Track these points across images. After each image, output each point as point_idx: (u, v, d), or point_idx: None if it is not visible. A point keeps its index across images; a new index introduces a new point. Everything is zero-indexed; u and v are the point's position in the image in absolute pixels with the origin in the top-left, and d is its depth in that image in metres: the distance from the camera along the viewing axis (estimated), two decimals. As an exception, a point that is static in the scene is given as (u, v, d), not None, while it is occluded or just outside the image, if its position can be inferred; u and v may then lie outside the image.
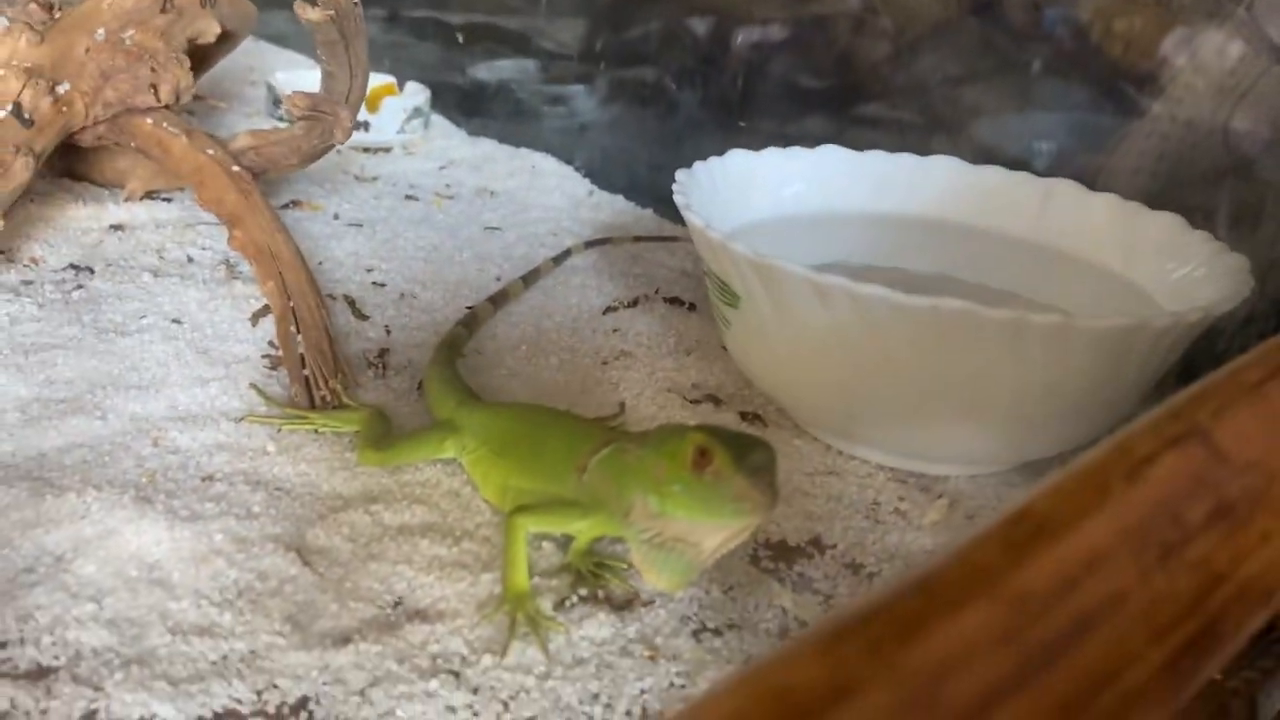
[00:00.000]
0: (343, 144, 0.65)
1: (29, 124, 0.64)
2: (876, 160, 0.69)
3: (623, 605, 0.44)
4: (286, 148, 0.70)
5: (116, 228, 0.73)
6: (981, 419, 0.51)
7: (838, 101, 0.99)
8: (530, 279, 0.73)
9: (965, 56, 0.99)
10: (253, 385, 0.55)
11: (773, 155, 0.67)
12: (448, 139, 1.06)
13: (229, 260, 0.69)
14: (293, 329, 0.57)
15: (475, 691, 0.38)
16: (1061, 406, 0.50)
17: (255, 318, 0.62)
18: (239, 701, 0.37)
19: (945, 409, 0.50)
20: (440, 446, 0.50)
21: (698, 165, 0.63)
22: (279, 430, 0.52)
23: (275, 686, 0.38)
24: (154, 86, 0.70)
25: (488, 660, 0.40)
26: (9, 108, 0.63)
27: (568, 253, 0.79)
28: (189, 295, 0.64)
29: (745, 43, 1.06)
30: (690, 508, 0.38)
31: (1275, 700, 0.41)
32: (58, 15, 0.71)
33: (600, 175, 1.00)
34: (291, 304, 0.58)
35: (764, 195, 0.66)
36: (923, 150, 0.69)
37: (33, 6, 0.79)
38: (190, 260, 0.69)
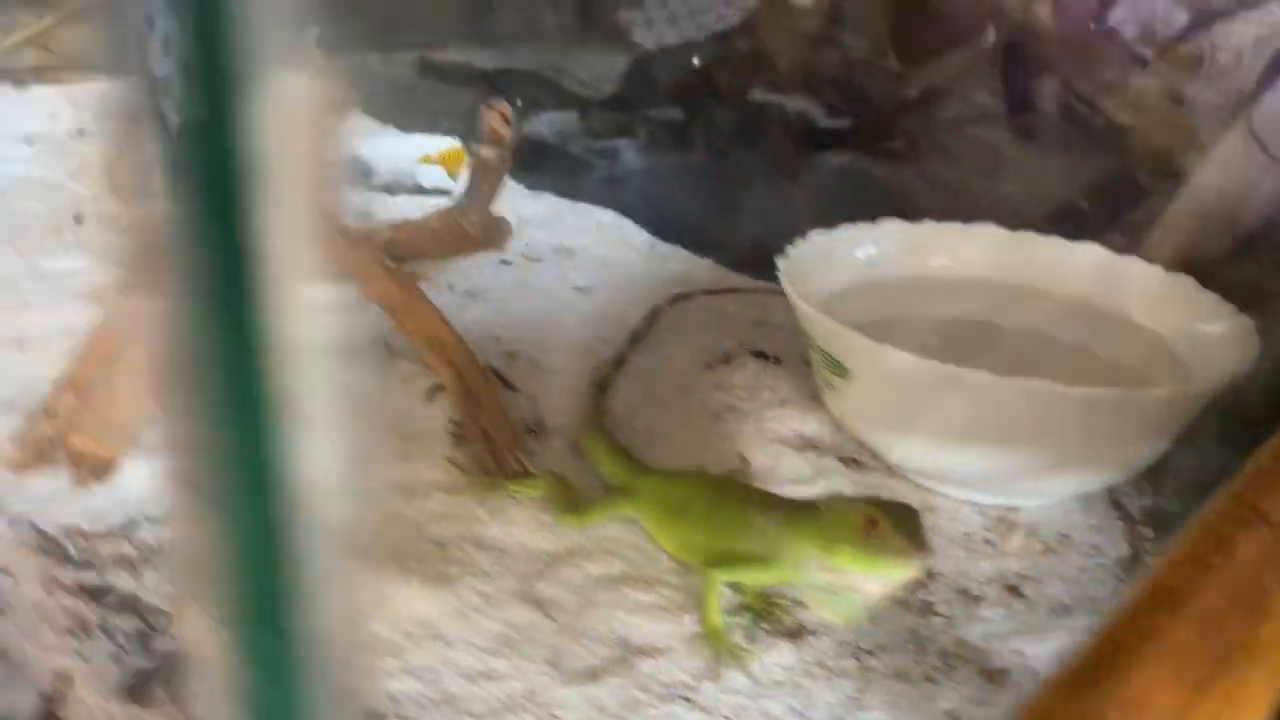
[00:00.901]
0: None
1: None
2: (928, 229, 0.81)
3: (794, 634, 0.55)
4: (426, 238, 0.81)
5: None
6: (1052, 464, 0.63)
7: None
8: (634, 340, 0.84)
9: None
10: (450, 459, 0.66)
11: (846, 231, 0.79)
12: (511, 195, 1.16)
13: (385, 341, 0.80)
14: (474, 406, 0.68)
15: (707, 711, 0.50)
16: (1113, 452, 0.62)
17: (430, 395, 0.73)
18: (531, 730, 0.49)
19: (1025, 458, 0.62)
20: (622, 507, 0.61)
21: (789, 250, 0.74)
22: (486, 497, 0.63)
23: (555, 717, 0.49)
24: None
25: (708, 686, 0.52)
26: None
27: (657, 311, 0.90)
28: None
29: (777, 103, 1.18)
30: (862, 563, 0.50)
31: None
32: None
33: (656, 226, 1.11)
34: (467, 385, 0.69)
35: (844, 266, 0.78)
36: (938, 192, 0.81)
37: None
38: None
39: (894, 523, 0.49)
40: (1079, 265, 0.77)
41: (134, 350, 0.65)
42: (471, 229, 0.72)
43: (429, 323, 0.72)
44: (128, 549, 0.58)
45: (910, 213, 0.82)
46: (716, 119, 1.34)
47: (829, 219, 1.12)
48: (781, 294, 0.94)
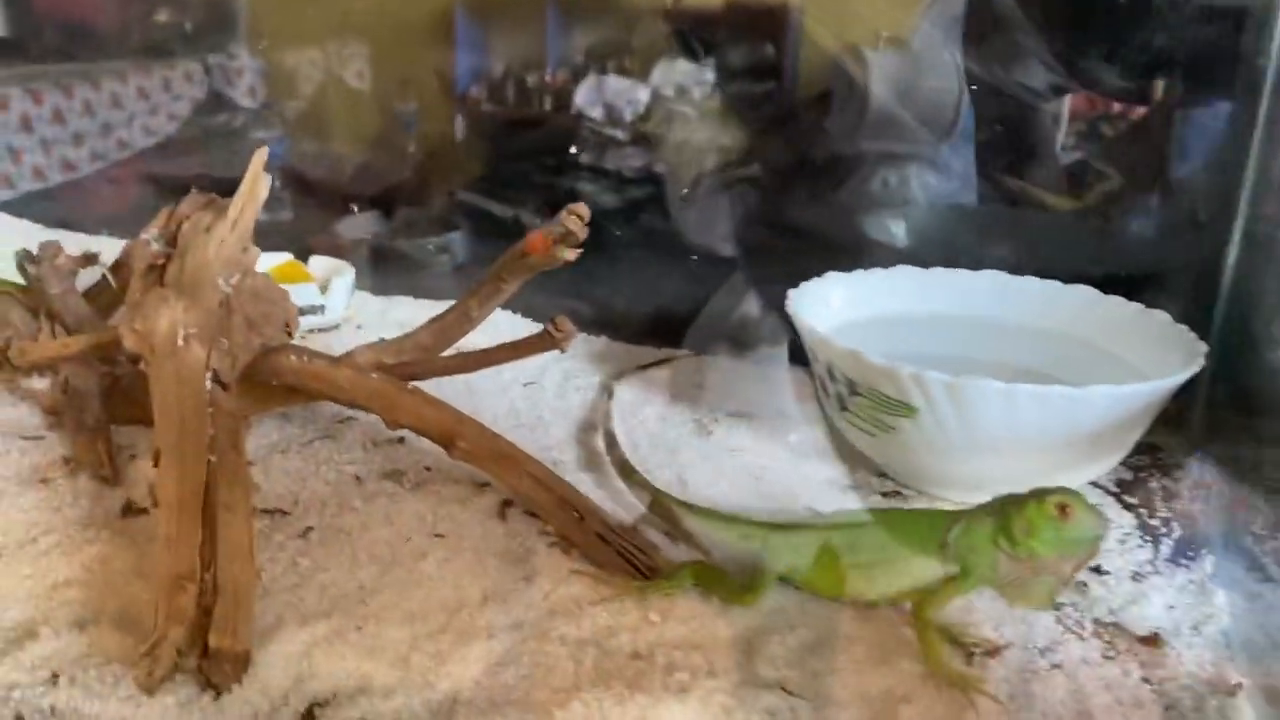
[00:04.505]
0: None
1: (226, 388, 0.66)
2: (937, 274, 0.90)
3: (994, 653, 0.60)
4: (419, 354, 0.76)
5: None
6: (1090, 458, 0.73)
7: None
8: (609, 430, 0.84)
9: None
10: (578, 572, 0.64)
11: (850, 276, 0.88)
12: (369, 304, 1.12)
13: (399, 470, 0.75)
14: (574, 515, 0.66)
15: (992, 736, 0.53)
16: (1127, 440, 0.73)
17: (503, 511, 0.69)
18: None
19: (1072, 457, 0.71)
20: (776, 572, 0.63)
21: (792, 294, 0.80)
22: (644, 600, 0.62)
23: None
24: (286, 323, 0.73)
25: (970, 715, 0.55)
26: (209, 377, 0.65)
27: (610, 391, 0.91)
28: (411, 508, 0.70)
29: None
30: (1060, 545, 0.56)
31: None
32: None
33: (532, 312, 1.11)
34: (555, 493, 0.67)
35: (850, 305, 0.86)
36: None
37: (62, 260, 0.78)
38: (384, 476, 0.74)
39: (1084, 503, 0.56)
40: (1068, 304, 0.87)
41: (231, 522, 0.57)
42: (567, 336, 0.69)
43: (486, 437, 0.69)
44: (331, 744, 0.51)
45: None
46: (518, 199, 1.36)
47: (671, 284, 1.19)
48: (699, 358, 1.00)
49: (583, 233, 0.65)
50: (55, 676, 0.54)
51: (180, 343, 0.65)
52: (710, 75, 1.94)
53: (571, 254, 0.67)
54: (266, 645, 0.56)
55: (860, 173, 1.20)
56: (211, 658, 0.53)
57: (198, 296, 0.68)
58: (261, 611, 0.58)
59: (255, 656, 0.55)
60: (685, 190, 1.27)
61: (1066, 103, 1.09)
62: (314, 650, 0.56)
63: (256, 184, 0.72)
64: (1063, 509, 0.56)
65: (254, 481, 0.71)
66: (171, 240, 0.74)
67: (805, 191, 1.28)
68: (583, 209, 0.65)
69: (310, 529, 0.67)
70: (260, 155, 0.72)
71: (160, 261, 0.72)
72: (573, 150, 1.62)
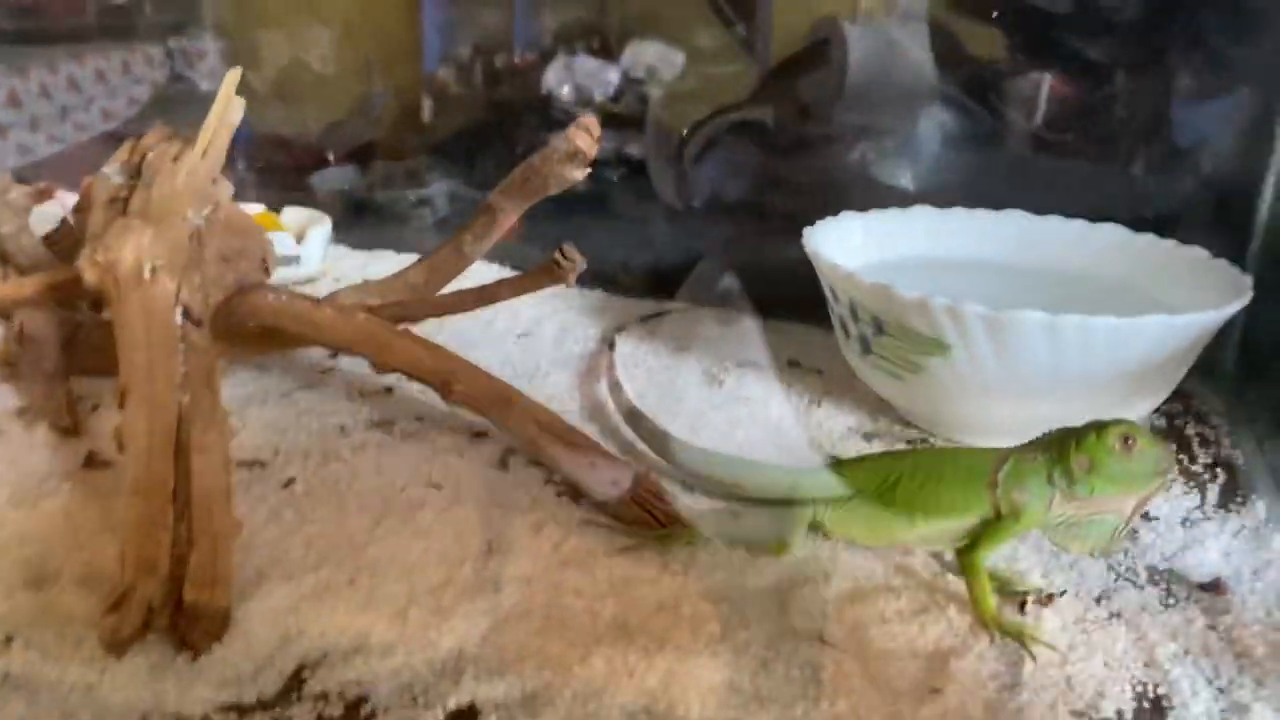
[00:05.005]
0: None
1: (198, 323, 0.60)
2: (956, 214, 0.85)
3: (1047, 601, 0.55)
4: (408, 294, 0.71)
5: (220, 413, 0.68)
6: (1139, 393, 0.67)
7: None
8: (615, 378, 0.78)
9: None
10: (588, 520, 0.58)
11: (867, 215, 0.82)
12: (347, 258, 1.05)
13: (389, 420, 0.69)
14: (585, 461, 0.60)
15: (1044, 689, 0.48)
16: (1176, 374, 0.68)
17: (505, 460, 0.64)
18: (920, 759, 0.44)
19: (1123, 390, 0.66)
20: (807, 519, 0.57)
21: (808, 232, 0.75)
22: (665, 551, 0.56)
23: (936, 738, 0.45)
24: (264, 259, 0.67)
25: (1028, 665, 0.50)
26: (180, 311, 0.59)
27: (613, 344, 0.85)
28: (403, 459, 0.64)
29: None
30: (1122, 481, 0.51)
31: None
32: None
33: (521, 266, 1.05)
34: (565, 439, 0.61)
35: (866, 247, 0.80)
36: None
37: (14, 195, 0.72)
38: (372, 426, 0.68)
39: (1148, 435, 0.51)
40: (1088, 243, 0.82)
41: (206, 466, 0.51)
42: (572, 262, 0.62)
43: (485, 378, 0.64)
44: (327, 707, 0.45)
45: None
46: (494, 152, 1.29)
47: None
48: (701, 310, 0.94)
49: (592, 150, 0.59)
50: (9, 639, 0.48)
51: (146, 275, 0.59)
52: (680, 58, 1.88)
53: (580, 173, 0.61)
54: (247, 601, 0.50)
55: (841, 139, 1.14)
56: (187, 614, 0.47)
57: (166, 227, 0.62)
58: (240, 566, 0.52)
59: (235, 613, 0.49)
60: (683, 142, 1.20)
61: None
62: (301, 606, 0.50)
63: (228, 108, 0.66)
64: (1125, 441, 0.51)
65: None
66: (135, 173, 0.68)
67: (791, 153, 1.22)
68: (593, 123, 0.59)
69: (293, 480, 0.62)
70: (232, 76, 0.66)
71: (123, 194, 0.66)
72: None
